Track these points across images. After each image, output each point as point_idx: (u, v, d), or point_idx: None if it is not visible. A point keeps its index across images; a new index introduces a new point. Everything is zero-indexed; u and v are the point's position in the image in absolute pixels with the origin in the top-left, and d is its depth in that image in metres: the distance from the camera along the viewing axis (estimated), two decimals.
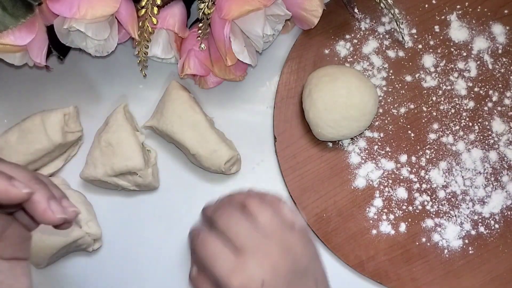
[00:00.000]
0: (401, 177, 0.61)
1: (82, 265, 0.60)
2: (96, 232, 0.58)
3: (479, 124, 0.63)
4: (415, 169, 0.62)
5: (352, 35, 0.65)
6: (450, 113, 0.63)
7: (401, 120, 0.63)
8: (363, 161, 0.62)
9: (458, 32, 0.65)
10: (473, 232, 0.60)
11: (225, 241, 0.40)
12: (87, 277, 0.60)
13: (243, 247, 0.40)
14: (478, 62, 0.64)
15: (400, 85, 0.64)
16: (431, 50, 0.65)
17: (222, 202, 0.45)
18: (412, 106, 0.63)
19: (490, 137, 0.63)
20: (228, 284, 0.38)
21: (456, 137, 0.63)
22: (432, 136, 0.63)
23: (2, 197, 0.34)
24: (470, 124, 0.63)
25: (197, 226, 0.44)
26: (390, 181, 0.61)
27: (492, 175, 0.62)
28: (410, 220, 0.60)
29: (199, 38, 0.59)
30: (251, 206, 0.42)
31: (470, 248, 0.60)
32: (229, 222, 0.41)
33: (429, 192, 0.61)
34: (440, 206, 0.61)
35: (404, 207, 0.61)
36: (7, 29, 0.51)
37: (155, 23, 0.56)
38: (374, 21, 0.65)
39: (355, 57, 0.64)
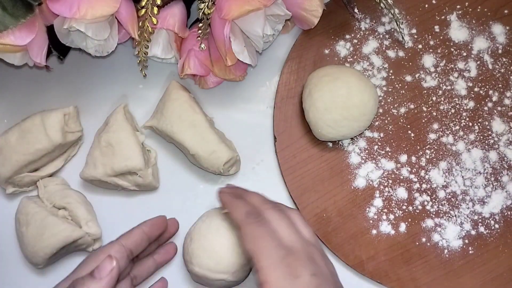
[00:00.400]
0: (401, 177, 0.61)
1: None
2: (96, 232, 0.58)
3: (479, 124, 0.63)
4: (415, 169, 0.62)
5: (352, 35, 0.65)
6: (450, 113, 0.63)
7: (401, 120, 0.63)
8: (363, 161, 0.62)
9: (458, 32, 0.65)
10: (473, 232, 0.60)
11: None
12: None
13: (292, 248, 0.43)
14: (478, 62, 0.64)
15: (400, 85, 0.64)
16: (431, 50, 0.65)
17: (245, 207, 0.46)
18: (412, 106, 0.63)
19: (490, 137, 0.63)
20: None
21: (456, 137, 0.63)
22: (432, 136, 0.63)
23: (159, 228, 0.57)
24: (470, 124, 0.63)
25: (233, 198, 0.48)
26: (390, 181, 0.61)
27: (492, 175, 0.62)
28: (410, 220, 0.60)
29: (199, 38, 0.59)
30: (269, 218, 0.45)
31: (470, 248, 0.60)
32: (254, 242, 0.43)
33: (429, 192, 0.61)
34: (440, 206, 0.61)
35: (404, 207, 0.61)
36: (7, 29, 0.51)
37: (155, 23, 0.56)
38: (374, 21, 0.65)
39: (355, 57, 0.64)
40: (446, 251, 0.60)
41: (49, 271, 0.60)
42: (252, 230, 0.43)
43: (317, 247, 0.45)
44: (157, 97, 0.63)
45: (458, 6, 0.66)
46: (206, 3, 0.55)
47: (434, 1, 0.66)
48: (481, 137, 0.63)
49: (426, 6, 0.66)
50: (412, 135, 0.63)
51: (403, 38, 0.64)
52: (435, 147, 0.62)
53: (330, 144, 0.62)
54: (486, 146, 0.62)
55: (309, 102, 0.59)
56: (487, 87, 0.64)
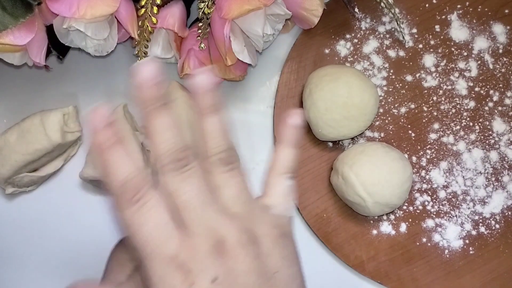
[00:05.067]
0: None
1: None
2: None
3: (479, 124, 0.63)
4: (415, 169, 0.61)
5: (353, 34, 0.65)
6: (450, 113, 0.63)
7: (402, 120, 0.63)
8: None
9: (458, 31, 0.65)
10: (473, 232, 0.60)
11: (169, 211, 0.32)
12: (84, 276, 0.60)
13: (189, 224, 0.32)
14: (479, 62, 0.64)
15: (400, 84, 0.64)
16: (431, 50, 0.64)
17: (172, 141, 0.35)
18: (412, 106, 0.63)
19: (490, 137, 0.63)
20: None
21: (457, 137, 0.62)
22: (433, 136, 0.62)
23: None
24: (471, 124, 0.63)
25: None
26: None
27: (493, 175, 0.62)
28: (410, 220, 0.60)
29: (199, 38, 0.58)
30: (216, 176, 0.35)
31: (470, 248, 0.60)
32: (183, 186, 0.33)
33: (429, 192, 0.61)
34: (440, 206, 0.61)
35: (404, 207, 0.61)
36: (7, 28, 0.51)
37: (154, 22, 0.56)
38: (374, 20, 0.65)
39: (356, 56, 0.64)
40: (446, 251, 0.60)
41: (52, 273, 0.60)
42: (178, 181, 0.33)
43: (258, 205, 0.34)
44: None
45: (458, 6, 0.65)
46: (206, 3, 0.55)
47: (434, 1, 0.65)
48: (482, 137, 0.63)
49: (427, 5, 0.65)
50: (413, 135, 0.62)
51: (403, 37, 0.64)
52: (436, 147, 0.62)
53: (330, 144, 0.62)
54: (487, 146, 0.62)
55: (309, 102, 0.59)
56: (488, 87, 0.64)
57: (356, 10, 0.65)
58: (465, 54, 0.64)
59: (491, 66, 0.64)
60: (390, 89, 0.63)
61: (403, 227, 0.60)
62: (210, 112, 0.36)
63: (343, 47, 0.64)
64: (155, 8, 0.55)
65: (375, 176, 0.56)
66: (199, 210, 0.32)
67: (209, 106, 0.36)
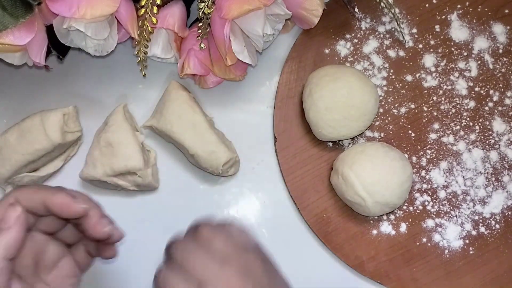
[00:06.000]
0: None
1: None
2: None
3: (479, 124, 0.63)
4: (415, 169, 0.61)
5: (353, 34, 0.65)
6: (450, 113, 0.63)
7: (402, 120, 0.63)
8: None
9: (458, 31, 0.65)
10: (473, 232, 0.60)
11: (186, 276, 0.40)
12: (84, 277, 0.60)
13: (203, 279, 0.40)
14: (479, 62, 0.64)
15: (400, 84, 0.64)
16: (431, 50, 0.64)
17: (179, 235, 0.45)
18: (412, 106, 0.63)
19: (490, 137, 0.63)
20: None
21: (457, 137, 0.62)
22: (433, 136, 0.62)
23: (64, 210, 0.41)
24: (471, 124, 0.63)
25: (160, 265, 0.44)
26: None
27: (493, 175, 0.62)
28: (410, 220, 0.60)
29: (199, 38, 0.58)
30: (204, 233, 0.43)
31: (470, 248, 0.60)
32: (185, 254, 0.42)
33: (429, 192, 0.61)
34: (440, 206, 0.61)
35: (404, 207, 0.61)
36: (7, 28, 0.51)
37: (154, 22, 0.56)
38: (374, 20, 0.65)
39: (356, 56, 0.64)
40: (446, 251, 0.60)
41: None
42: (185, 245, 0.42)
43: (256, 254, 0.44)
44: (157, 97, 0.63)
45: (458, 6, 0.65)
46: (206, 3, 0.55)
47: (434, 1, 0.65)
48: (482, 137, 0.62)
49: (427, 5, 0.65)
50: (413, 135, 0.62)
51: (403, 37, 0.64)
52: (436, 147, 0.62)
53: (331, 144, 0.62)
54: (486, 146, 0.62)
55: (309, 102, 0.59)
56: (488, 87, 0.64)
57: (356, 10, 0.65)
58: (465, 54, 0.64)
59: (491, 66, 0.64)
60: (390, 89, 0.63)
61: (403, 227, 0.60)
62: None
63: (343, 47, 0.64)
64: (155, 8, 0.55)
65: (375, 175, 0.56)
66: None
67: None
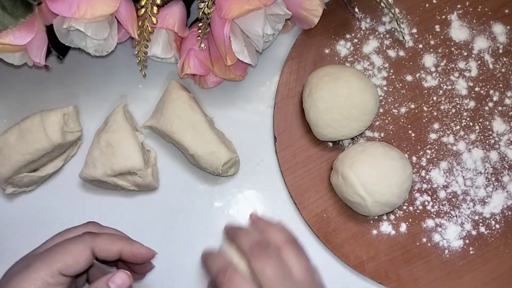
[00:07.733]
0: None
1: None
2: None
3: (479, 124, 0.63)
4: (415, 169, 0.61)
5: (353, 34, 0.65)
6: (450, 113, 0.63)
7: (402, 120, 0.63)
8: None
9: (458, 31, 0.65)
10: (473, 232, 0.60)
11: (254, 284, 0.42)
12: None
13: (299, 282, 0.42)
14: (479, 62, 0.64)
15: (400, 85, 0.64)
16: (431, 50, 0.64)
17: (252, 236, 0.45)
18: (412, 106, 0.63)
19: (490, 137, 0.63)
20: None
21: (457, 137, 0.62)
22: (433, 136, 0.62)
23: (143, 259, 0.46)
24: (471, 124, 0.63)
25: (211, 250, 0.46)
26: None
27: (493, 175, 0.62)
28: (410, 220, 0.60)
29: (199, 38, 0.58)
30: (289, 256, 0.44)
31: (470, 248, 0.60)
32: (265, 267, 0.42)
33: (429, 192, 0.61)
34: (440, 206, 0.61)
35: (404, 207, 0.61)
36: (7, 28, 0.51)
37: (154, 22, 0.56)
38: (374, 20, 0.65)
39: (356, 56, 0.64)
40: (446, 251, 0.60)
41: None
42: (262, 262, 0.43)
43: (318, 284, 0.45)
44: (157, 97, 0.63)
45: (458, 6, 0.65)
46: (206, 3, 0.55)
47: (434, 1, 0.65)
48: (482, 137, 0.62)
49: (427, 5, 0.65)
50: (413, 135, 0.62)
51: (403, 37, 0.64)
52: (436, 147, 0.62)
53: (330, 144, 0.62)
54: (486, 146, 0.62)
55: (309, 102, 0.59)
56: (488, 87, 0.64)
57: (356, 10, 0.65)
58: (465, 54, 0.64)
59: (491, 66, 0.64)
60: (390, 89, 0.63)
61: (403, 227, 0.60)
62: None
63: (343, 47, 0.64)
64: (155, 8, 0.55)
65: (375, 175, 0.56)
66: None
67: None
